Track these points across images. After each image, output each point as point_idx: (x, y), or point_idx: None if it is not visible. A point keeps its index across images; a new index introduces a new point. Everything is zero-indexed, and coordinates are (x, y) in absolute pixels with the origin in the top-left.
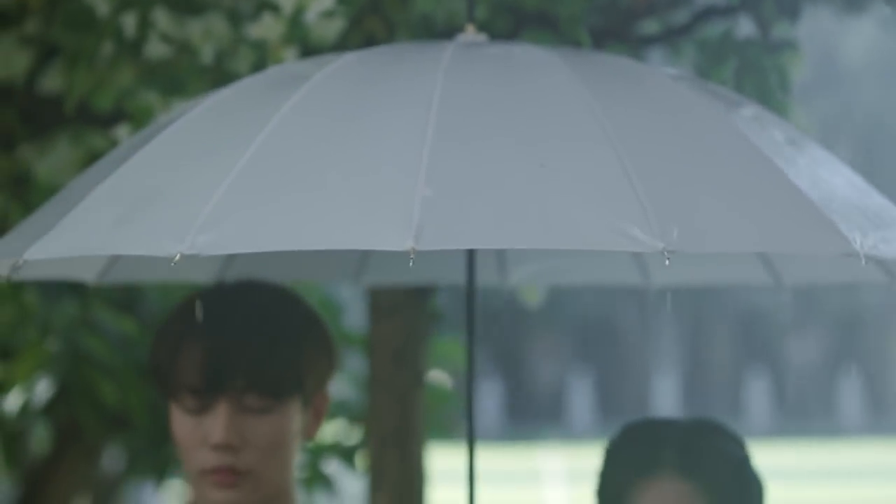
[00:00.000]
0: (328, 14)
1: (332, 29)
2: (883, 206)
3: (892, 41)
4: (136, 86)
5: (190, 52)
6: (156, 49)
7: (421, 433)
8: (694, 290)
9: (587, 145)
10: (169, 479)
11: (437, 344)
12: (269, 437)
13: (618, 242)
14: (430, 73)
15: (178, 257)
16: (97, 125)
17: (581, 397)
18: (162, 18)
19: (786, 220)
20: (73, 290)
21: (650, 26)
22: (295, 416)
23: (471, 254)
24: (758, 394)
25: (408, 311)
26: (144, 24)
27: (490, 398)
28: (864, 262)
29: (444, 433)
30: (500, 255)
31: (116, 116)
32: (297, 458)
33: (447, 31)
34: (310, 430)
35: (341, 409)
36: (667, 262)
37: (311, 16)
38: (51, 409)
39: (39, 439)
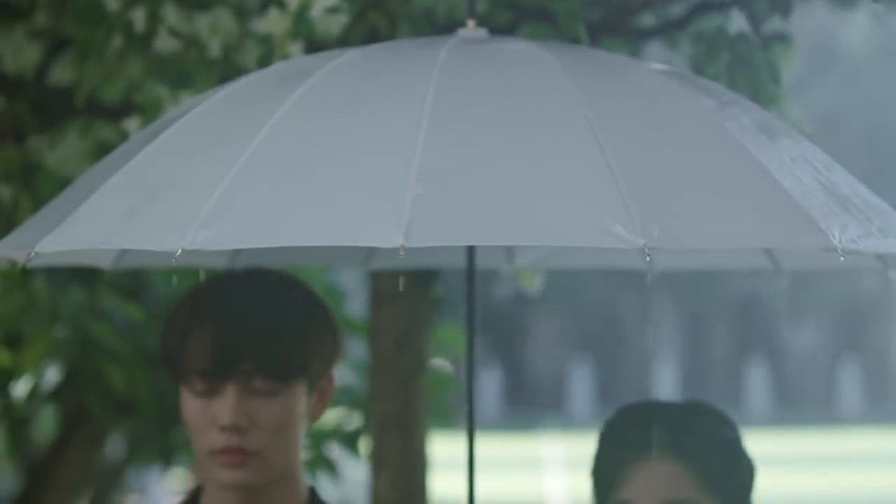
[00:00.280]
0: (333, 10)
1: (337, 24)
2: (867, 200)
3: (889, 32)
4: (144, 78)
5: (198, 47)
6: (165, 43)
7: (423, 418)
8: (694, 279)
9: (574, 143)
10: (175, 464)
11: (437, 331)
12: (275, 418)
13: (601, 239)
14: (425, 71)
15: (179, 252)
16: (107, 117)
17: (581, 385)
18: (171, 13)
19: (765, 215)
20: (81, 277)
21: (647, 20)
22: (301, 398)
23: (471, 245)
24: (757, 382)
25: (410, 298)
26: (154, 19)
27: (490, 386)
28: (842, 257)
29: (445, 420)
30: None
31: (125, 108)
32: (303, 440)
33: (448, 25)
34: (315, 413)
35: (343, 395)
36: (647, 258)
37: (316, 11)
38: (58, 394)
39: (45, 424)
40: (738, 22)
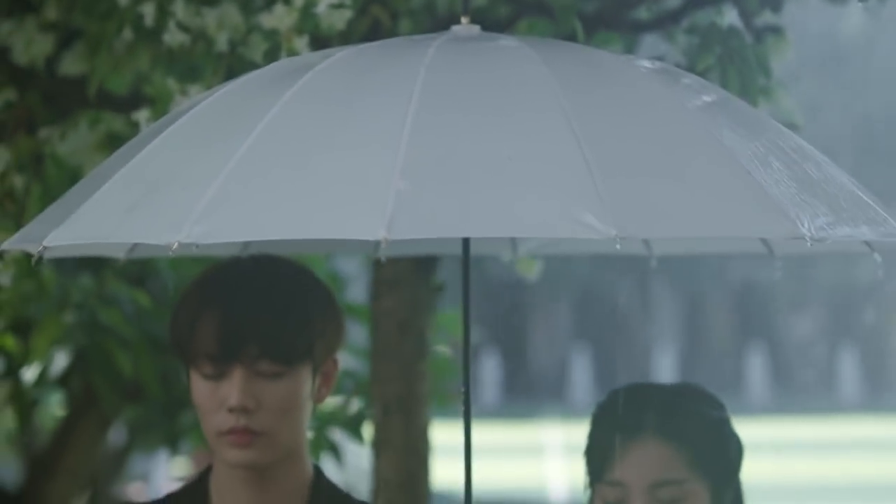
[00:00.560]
0: (337, 5)
1: (341, 19)
2: (842, 189)
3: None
4: (152, 71)
5: (206, 41)
6: (173, 37)
7: (425, 402)
8: (694, 267)
9: (552, 138)
10: (180, 450)
11: (438, 317)
12: (281, 400)
13: (574, 230)
14: (413, 69)
15: (175, 246)
16: (117, 108)
17: (581, 373)
18: (179, 8)
19: (735, 204)
20: (89, 265)
21: (642, 14)
22: (306, 381)
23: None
24: (756, 369)
25: (411, 284)
26: (163, 13)
27: (490, 374)
28: (809, 244)
29: (445, 405)
30: None
31: (135, 100)
32: (308, 423)
33: (448, 19)
34: (320, 396)
35: (344, 379)
36: (618, 246)
37: (321, 7)
38: (65, 380)
39: (52, 409)
40: (730, 16)
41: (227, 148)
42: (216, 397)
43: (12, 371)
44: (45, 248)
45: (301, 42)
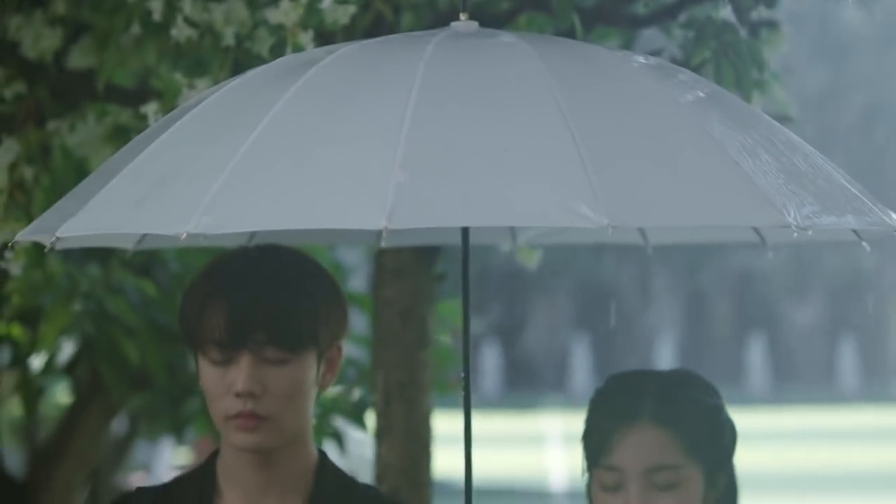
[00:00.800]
0: (342, 0)
1: (345, 14)
2: (830, 180)
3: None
4: (159, 64)
5: (213, 35)
6: (181, 31)
7: (427, 389)
8: (693, 257)
9: (547, 131)
10: (185, 437)
11: (438, 306)
12: (287, 385)
13: (569, 219)
14: (413, 65)
15: (184, 236)
16: (123, 101)
17: (581, 363)
18: (187, 3)
19: (724, 194)
20: (96, 255)
21: (640, 9)
22: (310, 367)
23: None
24: (756, 359)
25: (413, 274)
26: (171, 8)
27: (490, 364)
28: (795, 232)
29: (446, 394)
30: None
31: (142, 93)
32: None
33: (450, 13)
34: (324, 381)
35: (346, 368)
36: (609, 232)
37: (325, 2)
38: (71, 368)
39: (58, 397)
40: (726, 10)
41: (232, 142)
42: (224, 382)
43: (19, 360)
44: (57, 238)
45: (306, 37)
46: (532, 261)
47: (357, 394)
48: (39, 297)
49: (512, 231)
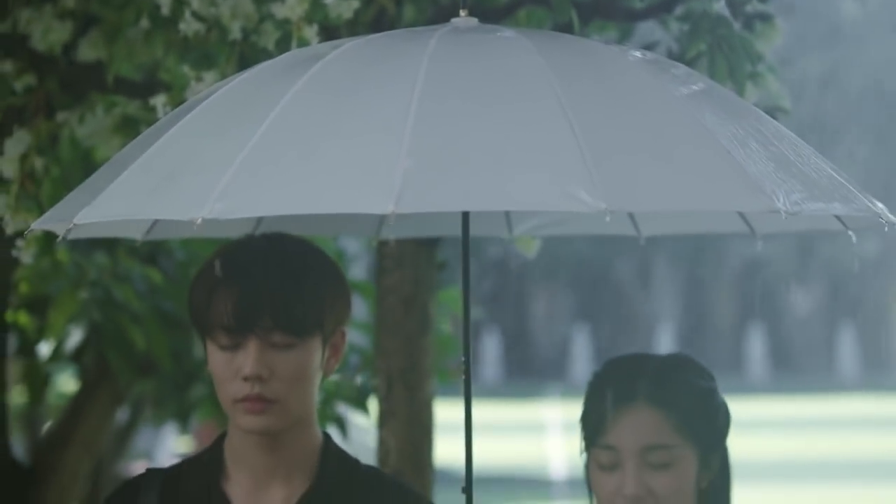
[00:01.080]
0: None
1: (349, 8)
2: (818, 169)
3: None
4: (166, 57)
5: (220, 29)
6: (189, 26)
7: (429, 376)
8: (693, 246)
9: (546, 120)
10: (190, 423)
11: (440, 293)
12: (293, 370)
13: (567, 204)
14: (417, 59)
15: (199, 221)
16: (131, 93)
17: (581, 352)
18: None
19: (716, 181)
20: (103, 244)
21: (637, 2)
22: (316, 352)
23: (465, 213)
24: (756, 348)
25: (415, 262)
26: (179, 3)
27: (491, 352)
28: (784, 217)
29: (447, 382)
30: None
31: (149, 85)
32: (317, 392)
33: (450, 7)
34: (329, 366)
35: (348, 354)
36: (607, 218)
37: None
38: (78, 355)
39: (64, 385)
40: (720, 4)
41: (241, 135)
42: (232, 367)
43: (27, 347)
44: (74, 224)
45: (311, 31)
46: (531, 250)
47: (360, 380)
48: (47, 286)
49: (509, 223)
